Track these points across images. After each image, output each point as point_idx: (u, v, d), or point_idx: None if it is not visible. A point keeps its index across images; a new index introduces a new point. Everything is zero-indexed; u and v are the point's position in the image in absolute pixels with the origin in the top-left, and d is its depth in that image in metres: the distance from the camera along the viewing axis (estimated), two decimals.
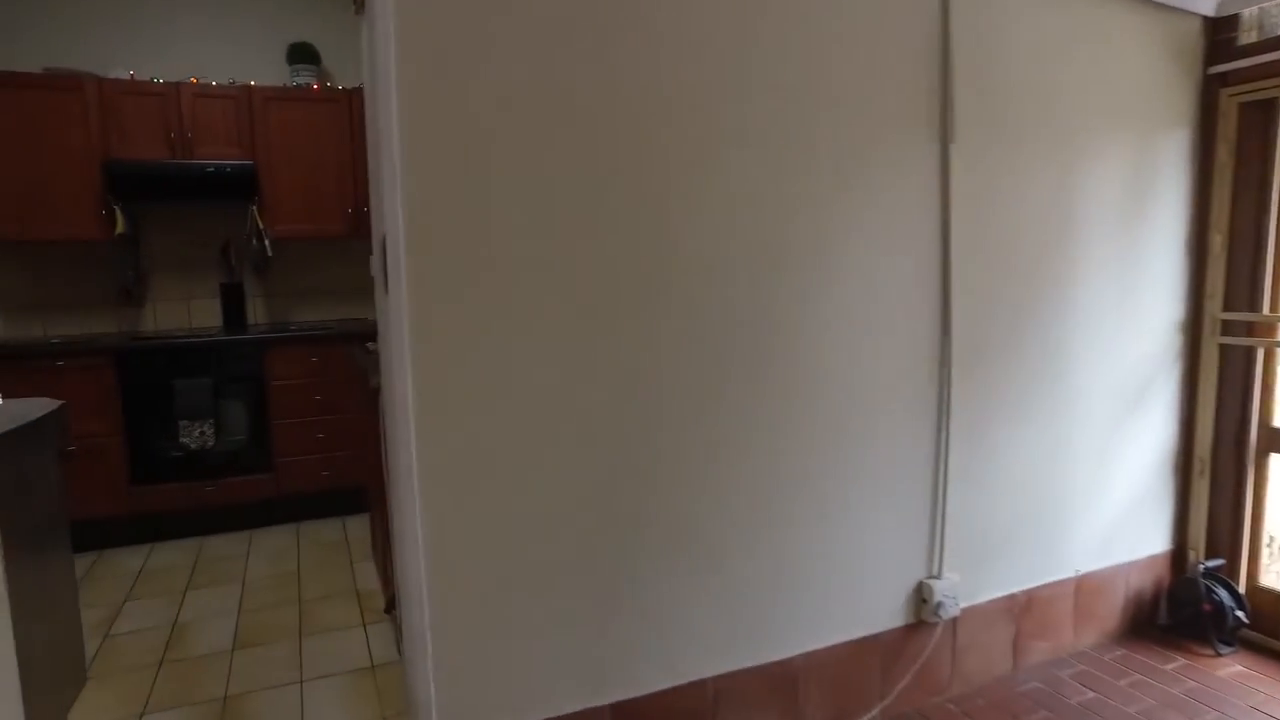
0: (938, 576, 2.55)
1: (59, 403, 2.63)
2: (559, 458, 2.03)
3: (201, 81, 4.24)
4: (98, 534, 4.02)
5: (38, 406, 2.53)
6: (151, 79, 4.17)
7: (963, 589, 2.57)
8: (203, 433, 4.00)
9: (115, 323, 4.47)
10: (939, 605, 2.50)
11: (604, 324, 2.05)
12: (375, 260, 2.08)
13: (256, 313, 4.70)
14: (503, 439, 1.99)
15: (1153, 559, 3.00)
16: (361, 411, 4.30)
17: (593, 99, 1.97)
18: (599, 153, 2.00)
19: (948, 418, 2.53)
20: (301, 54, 4.52)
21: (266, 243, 4.28)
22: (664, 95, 2.04)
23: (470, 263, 1.95)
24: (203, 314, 4.60)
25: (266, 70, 4.57)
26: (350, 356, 4.24)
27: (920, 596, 2.53)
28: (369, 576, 3.58)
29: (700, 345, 2.15)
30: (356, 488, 4.36)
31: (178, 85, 4.15)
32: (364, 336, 4.22)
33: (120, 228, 4.06)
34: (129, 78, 4.14)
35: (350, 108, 4.42)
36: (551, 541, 2.04)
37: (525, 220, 1.97)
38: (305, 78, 4.50)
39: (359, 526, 4.24)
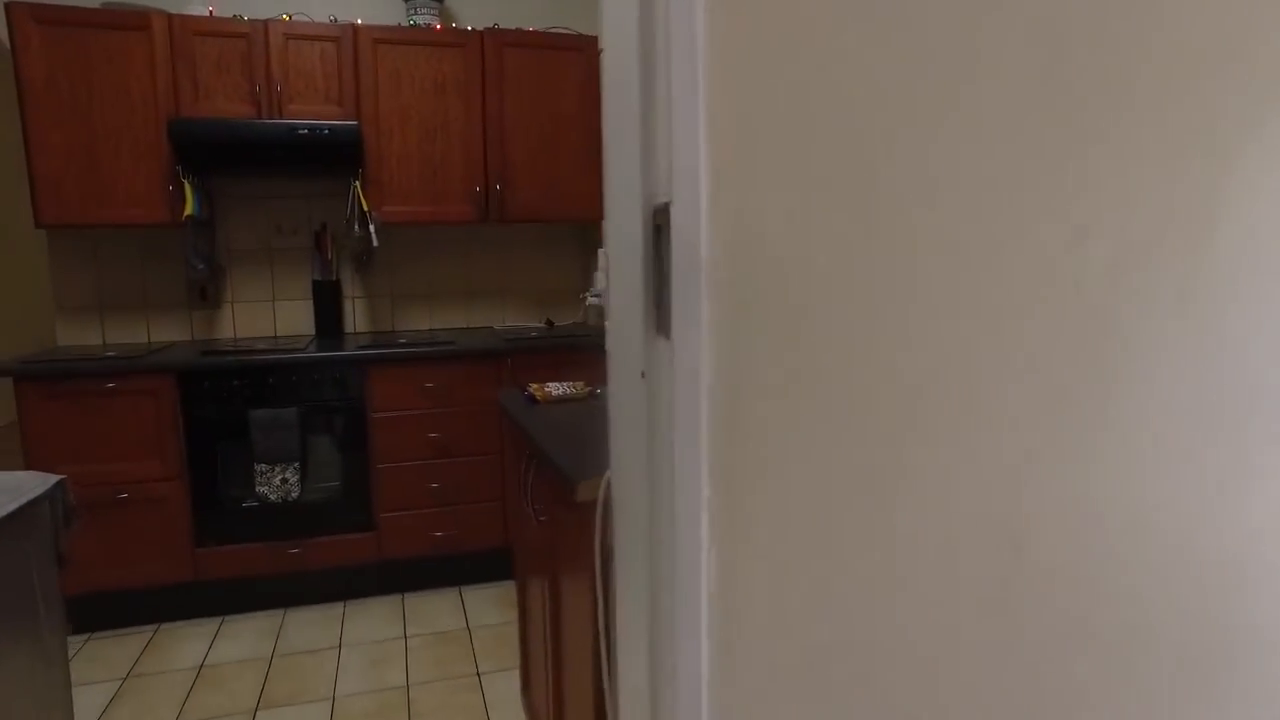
0: None
1: (52, 480, 1.64)
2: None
3: (295, 19, 3.25)
4: (155, 604, 3.10)
5: (17, 490, 1.54)
6: (234, 16, 3.20)
7: None
8: (285, 480, 3.03)
9: (187, 328, 3.55)
10: None
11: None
12: (614, 270, 0.98)
13: (356, 319, 3.72)
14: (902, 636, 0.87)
15: None
16: (490, 454, 3.27)
17: None
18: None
19: None
20: None
21: (371, 229, 3.27)
22: None
23: (841, 284, 0.83)
24: (291, 318, 3.65)
25: (376, 6, 3.57)
26: (494, 398, 3.20)
27: None
28: (506, 700, 2.52)
29: None
30: (478, 554, 3.34)
31: (266, 24, 3.18)
32: (493, 355, 3.17)
33: (190, 208, 3.11)
34: (207, 14, 3.18)
35: (481, 54, 3.37)
36: None
37: (940, 207, 0.84)
38: (425, 16, 3.47)
39: (482, 605, 3.20)
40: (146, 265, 3.49)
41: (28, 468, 2.92)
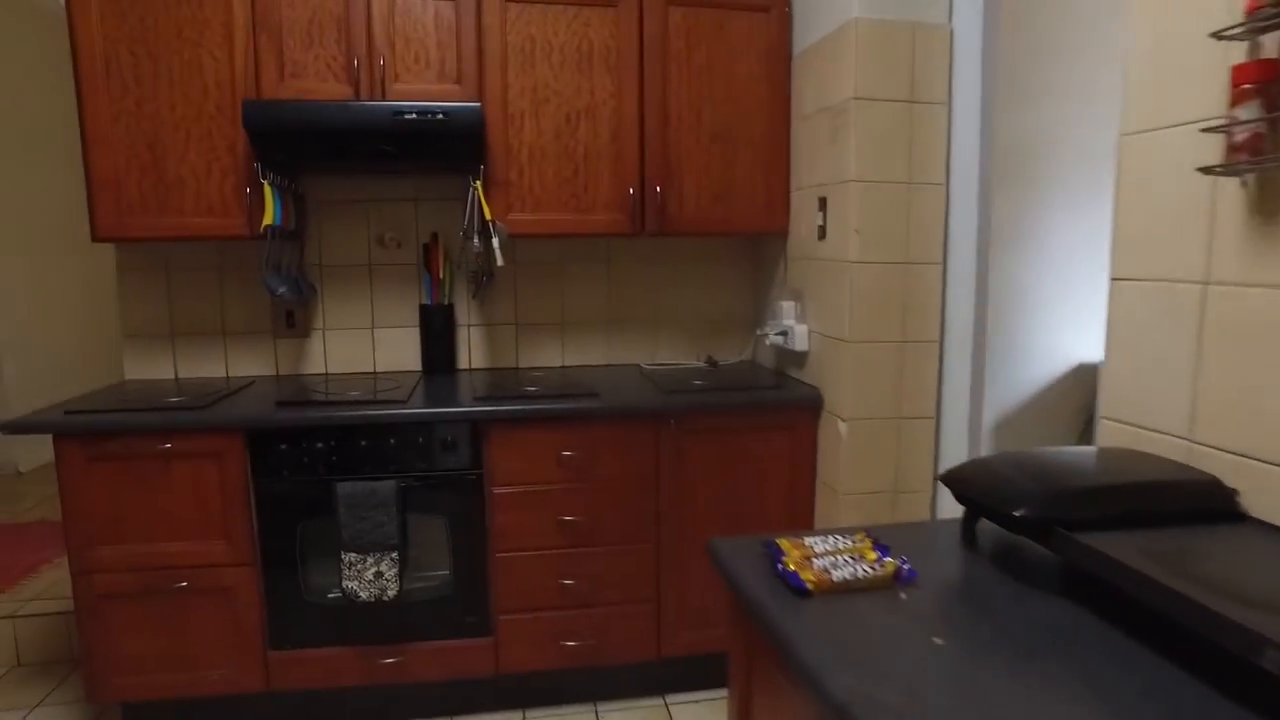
0: None
1: None
2: None
3: None
4: (222, 717, 2.44)
5: None
6: None
7: None
8: (379, 574, 2.31)
9: (270, 360, 2.91)
10: None
11: None
12: None
13: (471, 352, 2.99)
14: None
15: None
16: (640, 544, 2.48)
17: None
18: None
19: None
20: None
21: (495, 243, 2.52)
22: None
23: None
24: (394, 350, 2.95)
25: None
26: (649, 468, 2.40)
27: None
28: None
29: None
30: (622, 668, 2.55)
31: None
32: (650, 416, 2.37)
33: (270, 216, 2.43)
34: None
35: (639, 15, 2.57)
36: None
37: None
38: None
39: None
40: (225, 284, 2.86)
41: (68, 545, 2.32)
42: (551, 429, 2.38)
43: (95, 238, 2.51)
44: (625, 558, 2.47)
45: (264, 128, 2.32)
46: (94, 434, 2.24)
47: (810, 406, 2.48)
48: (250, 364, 2.90)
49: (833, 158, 2.35)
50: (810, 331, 2.53)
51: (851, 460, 2.35)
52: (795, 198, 2.65)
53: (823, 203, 2.41)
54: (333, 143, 2.38)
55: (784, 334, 2.60)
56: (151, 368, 2.87)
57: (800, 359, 2.61)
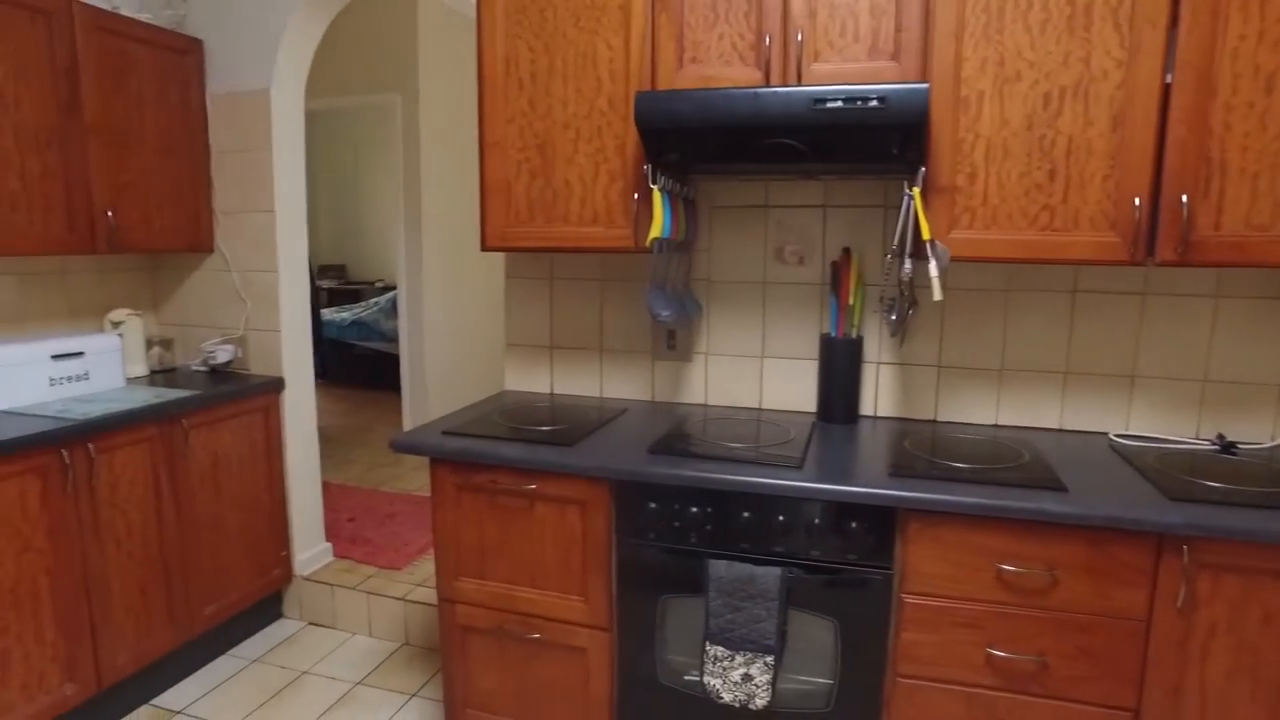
0: None
1: None
2: None
3: None
4: None
5: None
6: None
7: None
8: (748, 676, 1.86)
9: (647, 383, 2.61)
10: None
11: None
12: None
13: (878, 397, 2.40)
14: None
15: None
16: (1112, 710, 1.69)
17: None
18: None
19: None
20: None
21: (932, 268, 1.89)
22: None
23: None
24: (783, 386, 2.48)
25: None
26: (1137, 609, 1.67)
27: None
28: None
29: None
30: None
31: None
32: (1144, 535, 1.60)
33: (658, 229, 2.07)
34: None
35: None
36: None
37: None
38: None
39: None
40: (606, 298, 2.61)
41: (437, 569, 2.21)
42: (992, 530, 1.72)
43: (484, 247, 2.37)
44: (1077, 718, 1.74)
45: (657, 123, 1.94)
46: (464, 463, 2.08)
47: None
48: (625, 385, 2.63)
49: None
50: None
51: None
52: None
53: None
54: (734, 139, 1.94)
55: None
56: (530, 379, 2.74)
57: None
